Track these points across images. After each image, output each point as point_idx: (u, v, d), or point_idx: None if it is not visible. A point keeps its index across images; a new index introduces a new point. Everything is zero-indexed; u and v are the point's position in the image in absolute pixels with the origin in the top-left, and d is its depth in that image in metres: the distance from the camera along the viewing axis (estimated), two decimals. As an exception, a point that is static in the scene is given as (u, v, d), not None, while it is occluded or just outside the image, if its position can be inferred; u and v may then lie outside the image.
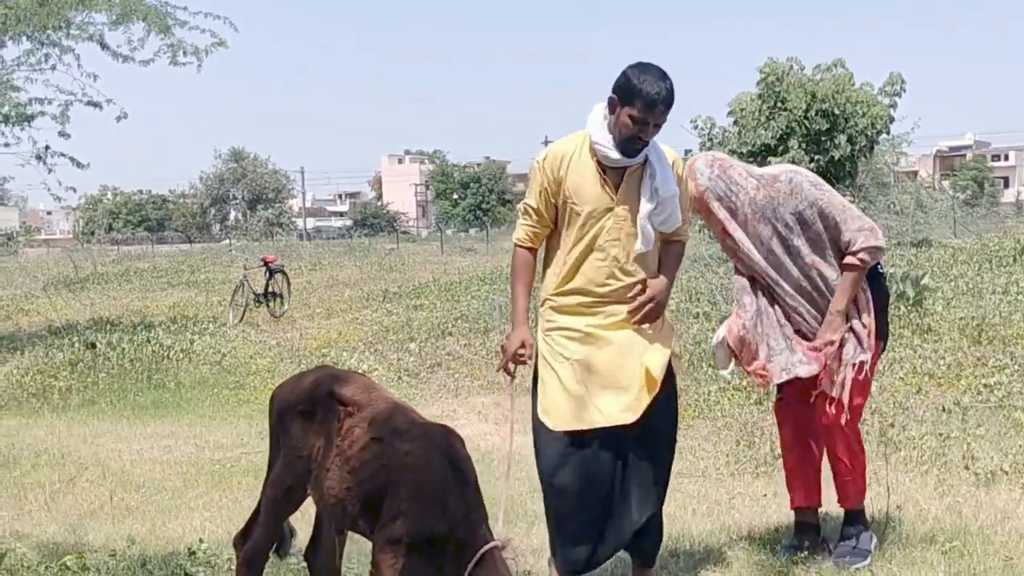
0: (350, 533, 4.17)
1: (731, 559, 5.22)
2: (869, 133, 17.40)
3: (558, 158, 4.39)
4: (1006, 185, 75.46)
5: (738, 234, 4.64)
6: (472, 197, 79.30)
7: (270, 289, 19.56)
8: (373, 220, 75.80)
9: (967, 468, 6.71)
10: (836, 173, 17.40)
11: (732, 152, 17.32)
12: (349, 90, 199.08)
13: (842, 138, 17.12)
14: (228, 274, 26.73)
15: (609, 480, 4.43)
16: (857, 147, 17.41)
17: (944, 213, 27.50)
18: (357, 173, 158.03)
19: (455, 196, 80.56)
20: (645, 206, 4.33)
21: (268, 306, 19.35)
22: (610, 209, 4.36)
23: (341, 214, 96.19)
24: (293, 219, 78.65)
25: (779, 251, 4.62)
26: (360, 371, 11.78)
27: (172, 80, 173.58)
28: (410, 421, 3.76)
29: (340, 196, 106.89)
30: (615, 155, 4.30)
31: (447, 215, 78.68)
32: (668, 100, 4.24)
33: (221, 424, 10.40)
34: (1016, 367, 9.42)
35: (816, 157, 17.06)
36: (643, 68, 4.27)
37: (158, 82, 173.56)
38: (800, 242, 4.60)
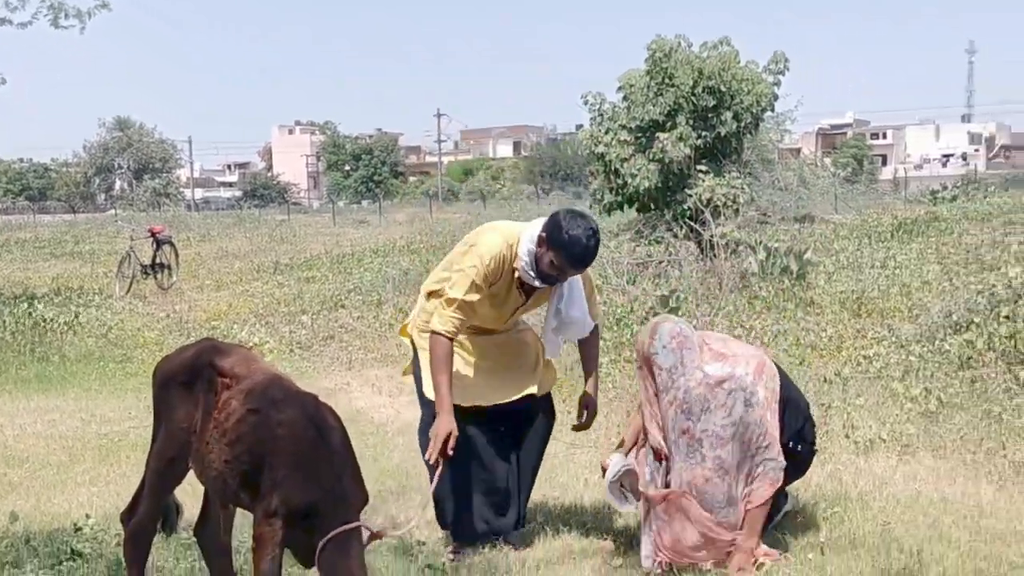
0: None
1: (623, 528, 5.30)
2: (754, 110, 17.64)
3: (500, 263, 4.68)
4: (884, 163, 77.57)
5: (660, 407, 4.58)
6: (364, 169, 78.56)
7: (157, 260, 19.14)
8: (263, 191, 74.66)
9: (847, 437, 6.90)
10: (723, 150, 17.63)
11: (622, 127, 17.44)
12: (238, 59, 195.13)
13: (728, 115, 17.34)
14: (114, 245, 26.08)
15: (501, 457, 4.94)
16: (743, 124, 17.64)
17: (826, 189, 28.12)
18: (246, 143, 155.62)
19: (347, 168, 79.73)
20: (550, 322, 4.80)
21: (156, 278, 18.94)
22: (518, 308, 4.86)
23: (230, 185, 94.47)
24: (181, 189, 77.03)
25: (683, 445, 4.58)
26: (251, 344, 11.62)
27: (53, 45, 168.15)
28: (284, 391, 3.73)
29: (229, 166, 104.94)
30: (536, 283, 4.70)
31: (339, 187, 77.86)
32: (589, 259, 4.63)
33: (108, 398, 10.15)
34: (893, 339, 9.70)
35: (703, 134, 17.25)
36: (574, 222, 4.58)
37: (38, 47, 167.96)
38: (709, 453, 4.53)
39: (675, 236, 14.92)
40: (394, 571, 4.58)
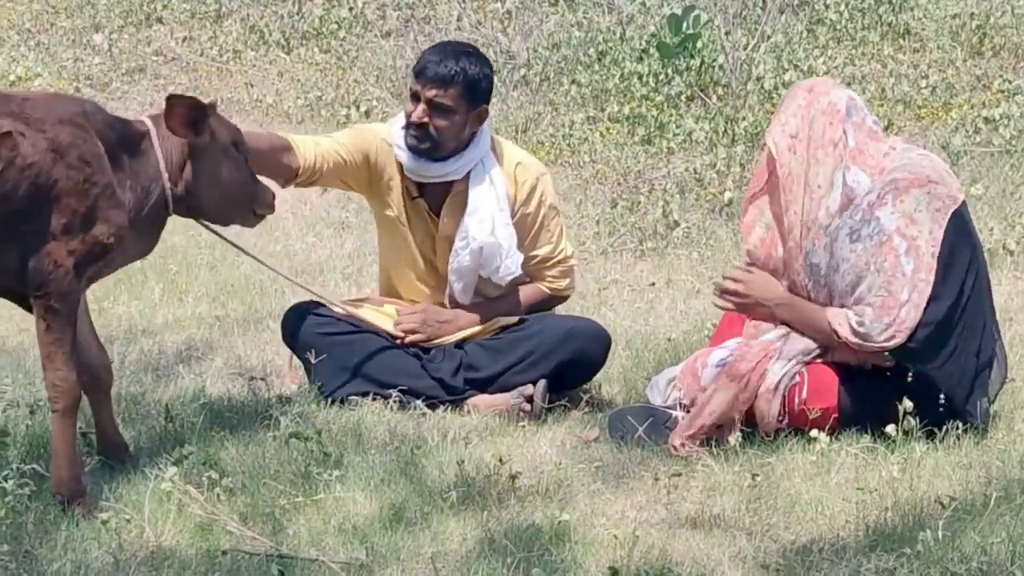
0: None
1: (605, 377, 5.36)
2: None
3: (372, 143, 5.40)
4: None
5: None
6: None
7: None
8: None
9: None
10: None
11: None
12: None
13: None
14: None
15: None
16: None
17: None
18: None
19: None
20: (456, 255, 5.23)
21: None
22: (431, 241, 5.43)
23: None
24: None
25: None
26: (13, 78, 11.35)
27: None
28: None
29: None
30: (404, 155, 5.24)
31: None
32: (444, 74, 5.15)
33: None
34: (1032, 93, 9.72)
35: None
36: (441, 43, 5.82)
37: None
38: None
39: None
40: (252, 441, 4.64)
